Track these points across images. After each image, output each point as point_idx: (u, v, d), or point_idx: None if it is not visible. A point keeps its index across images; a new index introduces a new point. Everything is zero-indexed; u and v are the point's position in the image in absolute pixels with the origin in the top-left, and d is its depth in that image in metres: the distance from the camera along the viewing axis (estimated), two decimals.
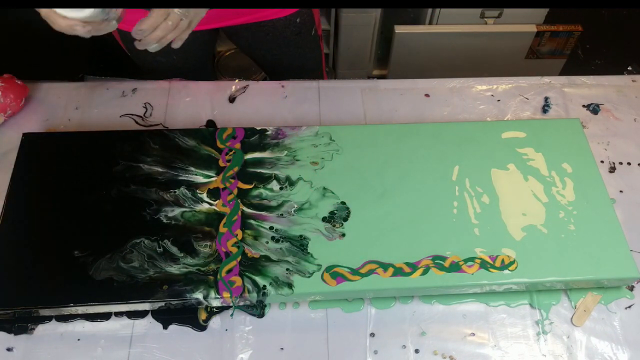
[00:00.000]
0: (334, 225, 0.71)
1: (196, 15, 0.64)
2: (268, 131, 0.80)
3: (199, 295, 0.65)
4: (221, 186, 0.74)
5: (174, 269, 0.66)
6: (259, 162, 0.77)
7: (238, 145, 0.78)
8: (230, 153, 0.77)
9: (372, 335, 0.69)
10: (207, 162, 0.76)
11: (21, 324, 0.67)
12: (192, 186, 0.73)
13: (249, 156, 0.77)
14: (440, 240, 0.70)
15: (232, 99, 0.91)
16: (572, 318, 0.71)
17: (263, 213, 0.72)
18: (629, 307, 0.72)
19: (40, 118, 0.86)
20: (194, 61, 0.99)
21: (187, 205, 0.72)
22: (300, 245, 0.69)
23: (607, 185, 0.78)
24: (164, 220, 0.70)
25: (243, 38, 0.96)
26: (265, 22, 0.90)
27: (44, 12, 0.57)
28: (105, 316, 0.68)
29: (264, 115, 0.89)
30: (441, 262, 0.69)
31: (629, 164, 0.86)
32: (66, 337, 0.67)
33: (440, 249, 0.70)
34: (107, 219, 0.70)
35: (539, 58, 1.66)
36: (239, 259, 0.68)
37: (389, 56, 1.57)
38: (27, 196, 0.71)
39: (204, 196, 0.73)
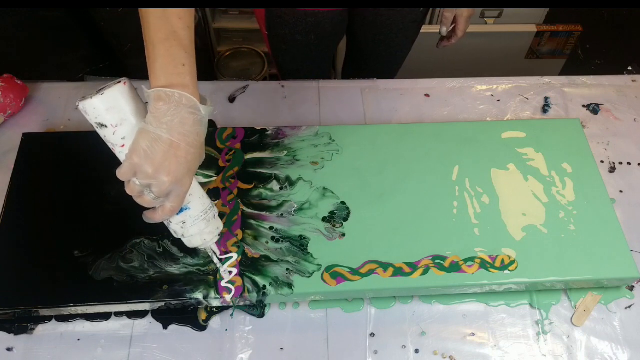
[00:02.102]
0: (334, 225, 0.71)
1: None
2: (268, 131, 0.80)
3: (199, 295, 0.64)
4: (221, 186, 0.74)
5: (174, 269, 0.66)
6: (259, 162, 0.77)
7: (238, 145, 0.78)
8: (230, 153, 0.77)
9: (372, 335, 0.69)
10: (206, 162, 0.76)
11: (21, 324, 0.67)
12: None
13: (249, 156, 0.77)
14: (440, 240, 0.70)
15: (232, 99, 0.91)
16: (572, 318, 0.71)
17: (263, 213, 0.72)
18: (629, 307, 0.72)
19: (40, 118, 0.86)
20: (328, 40, 0.99)
21: None
22: (300, 245, 0.69)
23: (607, 185, 0.78)
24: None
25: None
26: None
27: None
28: (105, 316, 0.68)
29: (264, 115, 0.89)
30: (441, 262, 0.69)
31: (629, 164, 0.86)
32: (66, 337, 0.67)
33: (440, 249, 0.70)
34: (107, 219, 0.70)
35: (539, 58, 1.66)
36: (239, 259, 0.68)
37: None
38: (27, 196, 0.71)
39: None
